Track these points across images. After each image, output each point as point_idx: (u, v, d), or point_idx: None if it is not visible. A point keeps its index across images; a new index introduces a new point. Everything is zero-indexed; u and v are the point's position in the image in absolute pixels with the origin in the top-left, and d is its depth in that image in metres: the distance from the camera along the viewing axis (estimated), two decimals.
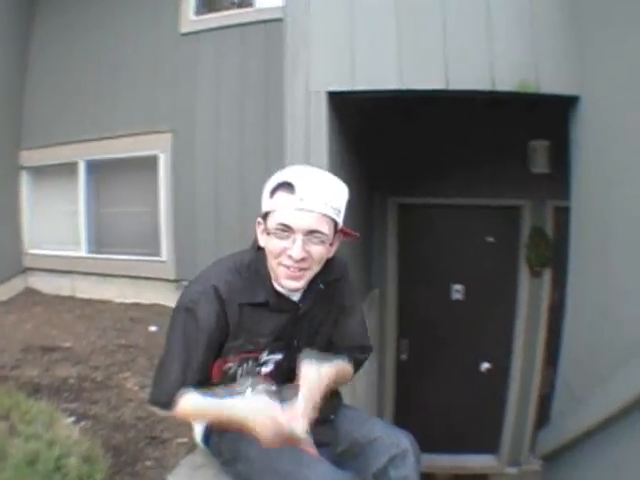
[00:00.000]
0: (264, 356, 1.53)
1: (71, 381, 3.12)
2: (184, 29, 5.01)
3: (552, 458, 3.10)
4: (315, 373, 1.41)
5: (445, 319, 5.10)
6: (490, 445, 5.15)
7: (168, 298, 4.80)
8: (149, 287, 5.04)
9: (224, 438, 1.54)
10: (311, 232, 1.38)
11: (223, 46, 4.90)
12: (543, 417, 4.72)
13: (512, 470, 5.09)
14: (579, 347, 2.94)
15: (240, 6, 5.32)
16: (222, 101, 4.88)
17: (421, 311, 5.13)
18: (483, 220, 5.07)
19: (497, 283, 5.06)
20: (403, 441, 1.55)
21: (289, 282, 1.43)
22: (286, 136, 3.20)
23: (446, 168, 4.81)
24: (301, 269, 1.40)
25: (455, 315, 5.10)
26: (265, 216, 1.44)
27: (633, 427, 1.95)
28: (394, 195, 5.07)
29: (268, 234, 1.42)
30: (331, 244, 1.47)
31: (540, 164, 4.70)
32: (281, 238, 1.38)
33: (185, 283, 4.86)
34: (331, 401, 1.63)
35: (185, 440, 2.55)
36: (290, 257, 1.38)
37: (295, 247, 1.37)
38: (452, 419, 5.04)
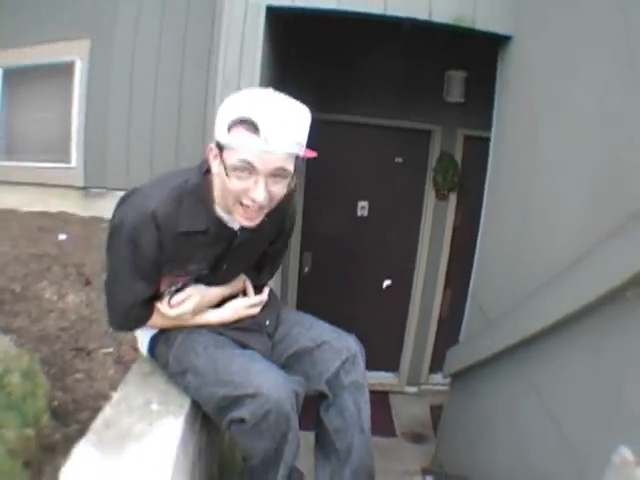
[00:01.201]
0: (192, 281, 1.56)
1: None
2: None
3: (462, 376, 3.38)
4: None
5: (349, 235, 5.22)
6: (390, 363, 5.49)
7: (76, 205, 4.75)
8: (57, 195, 4.86)
9: (172, 349, 1.55)
10: (275, 170, 1.29)
11: None
12: (442, 338, 5.15)
13: (412, 389, 5.45)
14: (493, 271, 3.16)
15: None
16: (143, 11, 4.67)
17: (325, 227, 5.17)
18: (393, 141, 5.14)
19: (403, 203, 5.23)
20: (352, 344, 1.63)
21: (245, 222, 1.38)
22: (219, 53, 3.06)
23: (360, 88, 4.82)
24: (261, 208, 1.34)
25: (359, 232, 5.23)
26: (220, 147, 1.30)
27: (551, 348, 2.15)
28: (310, 110, 4.98)
29: (225, 168, 1.29)
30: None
31: (455, 93, 4.80)
32: (241, 178, 1.28)
33: (95, 190, 4.72)
34: (267, 310, 1.70)
35: (110, 350, 2.59)
36: (253, 200, 1.30)
37: (258, 190, 1.28)
38: (354, 334, 5.31)
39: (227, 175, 1.29)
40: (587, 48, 2.18)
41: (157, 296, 1.53)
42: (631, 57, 1.83)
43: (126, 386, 1.58)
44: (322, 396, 1.64)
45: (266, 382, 1.36)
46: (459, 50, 4.48)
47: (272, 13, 3.11)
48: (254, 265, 1.72)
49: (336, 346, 1.61)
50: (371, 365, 5.81)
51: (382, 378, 5.43)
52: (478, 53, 3.52)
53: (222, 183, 1.34)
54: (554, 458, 1.95)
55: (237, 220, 1.39)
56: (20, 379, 1.89)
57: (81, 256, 3.69)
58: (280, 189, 1.34)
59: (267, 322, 1.68)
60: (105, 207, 4.35)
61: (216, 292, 1.60)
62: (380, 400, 5.10)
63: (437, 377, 5.10)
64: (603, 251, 1.77)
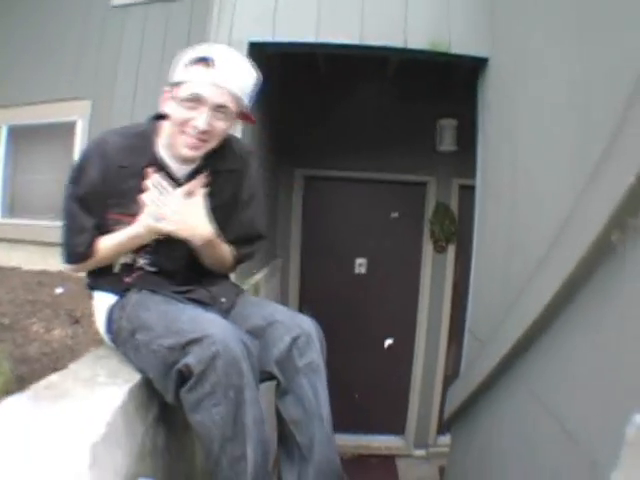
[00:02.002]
0: None
1: None
2: (115, 1, 5.00)
3: (461, 418, 3.13)
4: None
5: (348, 293, 5.09)
6: (396, 426, 5.17)
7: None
8: (57, 254, 4.83)
9: (125, 311, 1.50)
10: (219, 107, 1.44)
11: (149, 20, 4.93)
12: None
13: (419, 452, 5.09)
14: (487, 302, 2.99)
15: None
16: (142, 73, 4.88)
17: (323, 285, 5.08)
18: (389, 195, 5.11)
19: (401, 258, 5.11)
20: (306, 323, 1.53)
21: (188, 151, 1.47)
22: None
23: (354, 142, 4.84)
24: (201, 140, 1.45)
25: (358, 289, 5.11)
26: (175, 87, 1.46)
27: (545, 345, 2.00)
28: (300, 167, 5.02)
29: (176, 101, 1.45)
30: (231, 129, 1.55)
31: (447, 142, 4.81)
32: (189, 108, 1.43)
33: None
34: (224, 285, 1.67)
35: None
36: (195, 127, 1.43)
37: (201, 118, 1.42)
38: (356, 397, 5.03)
39: (177, 106, 1.44)
40: (554, 66, 2.18)
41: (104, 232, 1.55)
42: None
43: (77, 364, 1.53)
44: (276, 381, 1.52)
45: (214, 326, 1.31)
46: (450, 99, 4.54)
47: (257, 51, 3.12)
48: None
49: (288, 324, 1.52)
50: (376, 429, 5.52)
51: (388, 442, 5.10)
52: (469, 101, 3.48)
53: (171, 120, 1.47)
54: (564, 457, 1.73)
55: (182, 154, 1.48)
56: None
57: (74, 303, 3.67)
58: (220, 126, 1.47)
59: (223, 299, 1.62)
60: None
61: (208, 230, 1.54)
62: (386, 464, 4.77)
63: (445, 439, 4.71)
64: (580, 210, 1.64)
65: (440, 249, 4.95)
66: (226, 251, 1.65)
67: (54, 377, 1.39)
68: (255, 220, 1.74)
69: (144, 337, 1.39)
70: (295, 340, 1.47)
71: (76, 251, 1.58)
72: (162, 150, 1.53)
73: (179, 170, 1.54)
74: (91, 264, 1.59)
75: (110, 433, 1.16)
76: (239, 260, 1.73)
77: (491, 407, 2.59)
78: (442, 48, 3.11)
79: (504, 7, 2.91)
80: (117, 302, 1.56)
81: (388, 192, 5.11)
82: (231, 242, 1.66)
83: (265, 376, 1.49)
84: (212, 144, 1.49)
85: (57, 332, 3.07)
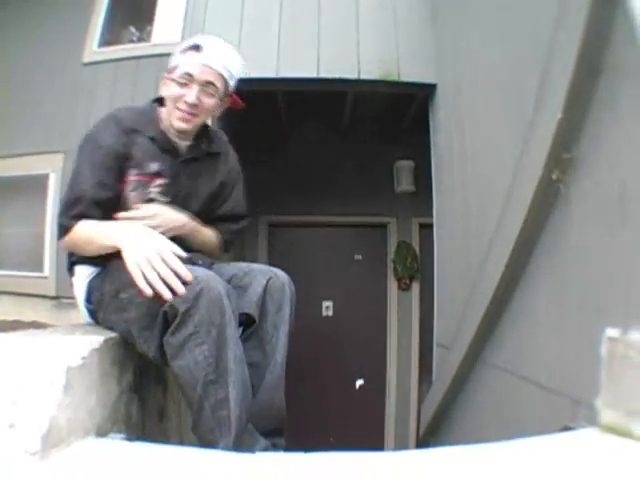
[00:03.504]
0: (153, 189, 1.65)
1: None
2: (86, 59, 5.21)
3: (433, 428, 3.13)
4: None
5: (316, 336, 5.07)
6: None
7: (47, 316, 4.69)
8: (30, 304, 4.88)
9: (108, 276, 1.54)
10: (207, 83, 1.63)
11: (120, 76, 5.12)
12: None
13: None
14: (451, 310, 3.06)
15: (139, 41, 5.58)
16: None
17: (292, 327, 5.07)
18: (352, 237, 5.26)
19: (367, 298, 5.19)
20: (280, 272, 1.65)
21: (180, 123, 1.65)
22: None
23: (315, 186, 5.01)
24: (192, 114, 1.64)
25: (326, 331, 5.12)
26: (171, 71, 1.66)
27: (507, 311, 2.08)
28: (264, 213, 5.14)
29: (171, 84, 1.65)
30: (218, 108, 1.72)
31: (405, 183, 5.02)
32: (181, 86, 1.63)
33: (66, 301, 4.64)
34: (199, 256, 1.69)
35: None
36: (186, 102, 1.62)
37: (192, 93, 1.62)
38: (331, 440, 4.93)
39: (172, 86, 1.64)
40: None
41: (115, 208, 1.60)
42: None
43: (53, 328, 1.62)
44: (247, 324, 1.57)
45: (198, 272, 1.35)
46: (406, 142, 4.79)
47: None
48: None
49: (264, 270, 1.64)
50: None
51: None
52: (423, 144, 3.63)
53: (167, 98, 1.66)
54: (545, 413, 1.75)
55: (176, 126, 1.65)
56: None
57: None
58: (208, 102, 1.66)
59: (200, 262, 1.65)
60: (76, 317, 4.34)
61: (181, 218, 1.67)
62: None
63: None
64: (521, 163, 1.78)
65: (405, 286, 5.05)
66: (209, 234, 1.79)
67: (31, 330, 1.45)
68: (240, 199, 1.89)
69: (128, 294, 1.42)
70: (269, 281, 1.57)
71: (74, 211, 1.57)
72: (164, 127, 1.70)
73: (178, 144, 1.71)
74: (72, 241, 1.59)
75: (85, 368, 1.16)
76: (227, 242, 1.88)
77: (466, 401, 2.62)
78: (393, 77, 3.36)
79: (446, 34, 3.18)
80: (99, 271, 1.61)
81: (351, 235, 5.25)
82: (219, 220, 1.83)
83: (242, 319, 1.53)
84: (201, 119, 1.69)
85: None
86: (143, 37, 5.56)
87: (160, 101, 1.74)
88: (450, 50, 3.11)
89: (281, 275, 1.63)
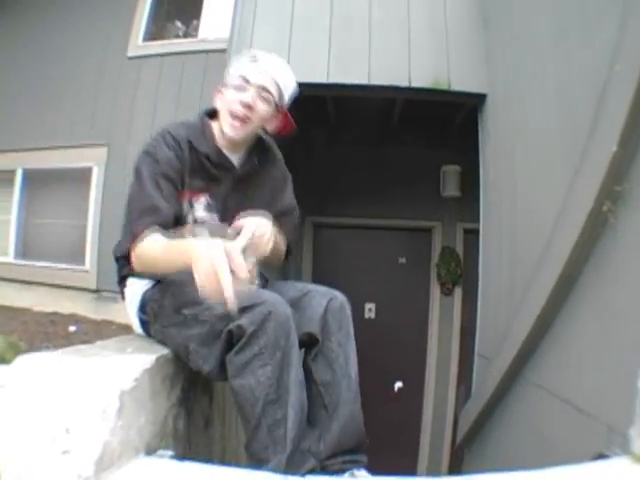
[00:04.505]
0: (198, 205, 1.63)
1: None
2: (131, 53, 5.25)
3: (471, 437, 3.14)
4: (256, 222, 1.42)
5: (358, 338, 5.10)
6: (407, 467, 5.07)
7: (87, 308, 4.78)
8: (69, 296, 4.97)
9: (168, 291, 1.53)
10: (262, 89, 1.62)
11: (165, 71, 5.15)
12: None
13: None
14: (495, 322, 3.07)
15: (185, 36, 5.61)
16: (157, 120, 5.04)
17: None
18: (396, 241, 5.26)
19: (409, 302, 5.19)
20: (338, 294, 1.63)
21: (232, 129, 1.62)
22: None
23: (361, 189, 5.02)
24: (245, 116, 1.61)
25: (368, 334, 5.10)
26: (225, 83, 1.67)
27: (551, 333, 2.08)
28: (310, 214, 5.19)
29: (227, 90, 1.64)
30: (271, 120, 1.69)
31: (451, 188, 4.99)
32: (238, 90, 1.62)
33: (107, 294, 4.76)
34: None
35: None
36: (241, 102, 1.60)
37: (248, 94, 1.61)
38: (367, 441, 4.96)
39: (228, 92, 1.64)
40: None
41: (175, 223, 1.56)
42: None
43: (104, 342, 1.59)
44: (309, 344, 1.59)
45: (264, 294, 1.38)
46: (452, 146, 4.76)
47: None
48: None
49: (322, 291, 1.64)
50: (387, 469, 5.33)
51: None
52: (470, 148, 3.61)
53: (222, 102, 1.66)
54: (578, 433, 1.77)
55: (227, 132, 1.63)
56: None
57: (89, 339, 3.69)
58: (263, 108, 1.64)
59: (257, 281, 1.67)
60: (117, 311, 4.38)
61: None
62: None
63: None
64: (572, 192, 1.78)
65: (447, 291, 5.04)
66: (277, 234, 1.62)
67: (81, 346, 1.45)
68: (290, 197, 1.87)
69: (192, 311, 1.42)
70: (329, 302, 1.58)
71: (135, 230, 1.51)
72: (218, 142, 1.68)
73: (232, 158, 1.69)
74: (141, 258, 1.50)
75: (137, 389, 1.20)
76: (288, 249, 1.81)
77: (503, 416, 2.63)
78: (443, 86, 3.35)
79: (497, 45, 3.15)
80: (154, 285, 1.61)
81: (395, 238, 5.26)
82: (277, 213, 1.71)
83: (304, 337, 1.54)
84: (253, 126, 1.64)
85: None
86: (190, 32, 5.58)
87: (211, 115, 1.72)
88: (501, 61, 3.09)
89: (340, 296, 1.63)
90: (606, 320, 1.65)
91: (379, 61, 3.38)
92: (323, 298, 1.58)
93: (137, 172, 1.59)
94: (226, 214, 1.63)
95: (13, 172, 5.49)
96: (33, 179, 5.47)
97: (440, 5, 3.49)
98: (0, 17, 5.74)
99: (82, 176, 5.11)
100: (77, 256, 5.07)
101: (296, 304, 1.56)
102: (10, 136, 5.36)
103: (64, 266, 5.13)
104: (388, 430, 4.92)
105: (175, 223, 1.55)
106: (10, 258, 5.42)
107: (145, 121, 5.02)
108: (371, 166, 5.03)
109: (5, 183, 5.55)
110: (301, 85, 3.40)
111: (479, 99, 3.38)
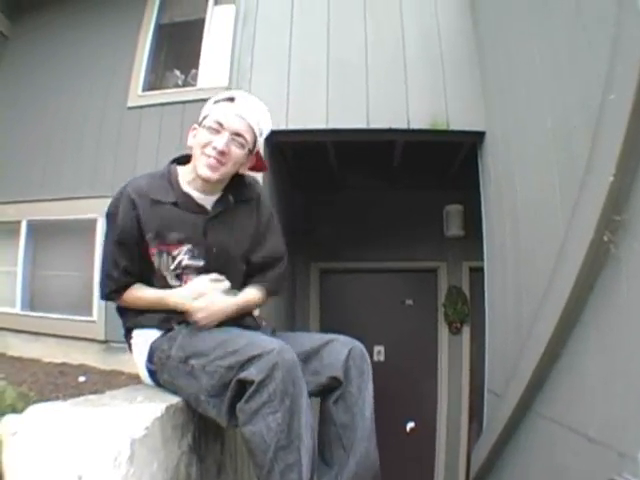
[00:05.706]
0: (180, 255, 1.64)
1: None
2: (131, 103, 5.31)
3: (484, 473, 3.08)
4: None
5: None
6: None
7: (96, 359, 4.74)
8: (78, 347, 4.94)
9: (176, 341, 1.57)
10: (237, 135, 1.63)
11: (165, 120, 5.20)
12: None
13: None
14: (503, 357, 3.05)
15: (184, 85, 5.71)
16: (160, 165, 5.13)
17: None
18: (402, 282, 5.28)
19: (418, 342, 5.18)
20: (357, 343, 1.67)
21: (206, 170, 1.62)
22: None
23: (365, 232, 5.06)
24: (219, 162, 1.61)
25: (378, 376, 5.07)
26: (201, 121, 1.67)
27: (559, 365, 2.07)
28: (316, 260, 5.22)
29: (202, 127, 1.65)
30: (245, 163, 1.72)
31: (454, 227, 5.02)
32: (211, 133, 1.62)
33: (115, 345, 4.73)
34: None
35: None
36: (214, 148, 1.60)
37: (221, 139, 1.61)
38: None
39: (202, 133, 1.64)
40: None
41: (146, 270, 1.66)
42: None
43: (113, 391, 1.61)
44: (331, 388, 1.62)
45: (271, 343, 1.41)
46: (454, 186, 4.81)
47: (272, 140, 3.33)
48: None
49: (342, 340, 1.67)
50: None
51: None
52: (472, 188, 3.66)
53: (195, 145, 1.66)
54: (591, 462, 1.76)
55: (202, 174, 1.63)
56: None
57: (98, 389, 3.67)
58: (237, 153, 1.65)
59: (264, 323, 1.79)
60: (126, 361, 4.36)
61: (230, 301, 1.65)
62: None
63: None
64: (573, 225, 1.81)
65: (455, 330, 5.02)
66: (252, 299, 1.75)
67: (91, 396, 1.45)
68: (276, 244, 1.85)
69: (200, 361, 1.46)
70: (351, 350, 1.62)
71: (105, 291, 1.70)
72: (185, 186, 1.68)
73: (204, 200, 1.68)
74: (127, 303, 1.70)
75: (148, 437, 1.21)
76: (270, 290, 1.82)
77: (516, 449, 2.59)
78: (442, 126, 3.42)
79: (493, 81, 3.23)
80: (162, 335, 1.65)
81: (401, 279, 5.28)
82: (259, 269, 1.79)
83: (327, 380, 1.59)
84: (227, 168, 1.64)
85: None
86: (189, 81, 5.61)
87: (179, 160, 1.75)
88: (498, 98, 3.16)
89: (359, 344, 1.67)
90: (612, 349, 1.65)
91: (377, 104, 3.47)
92: (345, 347, 1.62)
93: (105, 234, 1.70)
94: (210, 258, 1.67)
95: (18, 223, 5.53)
96: (38, 231, 5.50)
97: (436, 45, 3.60)
98: (4, 72, 5.85)
99: (87, 227, 5.12)
100: (84, 307, 5.06)
101: (318, 352, 1.62)
102: (14, 188, 5.40)
103: (71, 317, 5.11)
104: (403, 469, 4.84)
105: (150, 276, 1.67)
106: (17, 309, 5.41)
107: (148, 170, 5.09)
108: (374, 210, 5.08)
109: (10, 235, 5.57)
110: (301, 132, 3.53)
111: (478, 137, 3.45)
